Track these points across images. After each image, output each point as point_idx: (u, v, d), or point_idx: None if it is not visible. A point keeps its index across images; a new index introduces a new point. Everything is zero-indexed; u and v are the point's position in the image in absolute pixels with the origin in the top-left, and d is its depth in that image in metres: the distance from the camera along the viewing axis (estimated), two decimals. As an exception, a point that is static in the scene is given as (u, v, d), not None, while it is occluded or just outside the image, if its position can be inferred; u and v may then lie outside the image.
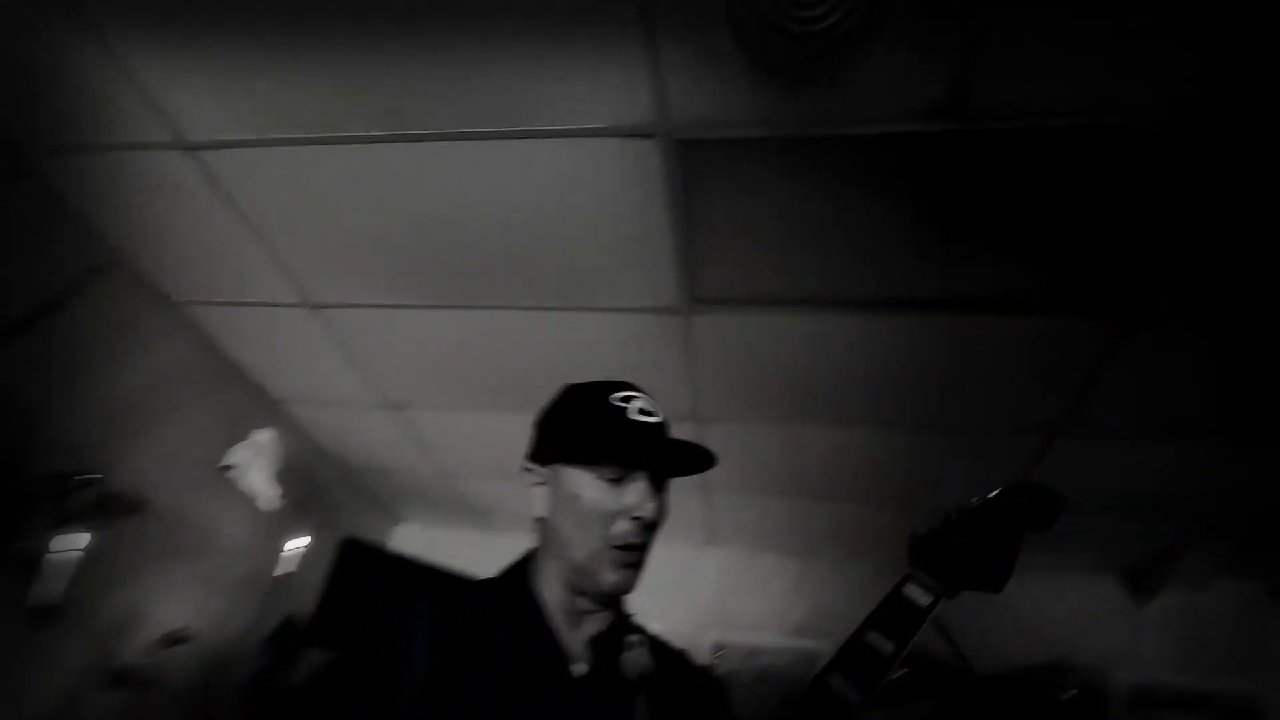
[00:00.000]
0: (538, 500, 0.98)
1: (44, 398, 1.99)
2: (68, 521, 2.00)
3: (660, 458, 0.93)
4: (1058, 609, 3.59)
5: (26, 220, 1.90)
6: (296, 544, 3.03)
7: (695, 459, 0.93)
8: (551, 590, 0.94)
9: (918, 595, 0.76)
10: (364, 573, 3.20)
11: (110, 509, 2.16)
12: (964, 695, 3.36)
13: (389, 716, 0.79)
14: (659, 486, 0.93)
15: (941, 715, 3.33)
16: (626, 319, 2.18)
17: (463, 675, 0.82)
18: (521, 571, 0.99)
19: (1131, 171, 1.50)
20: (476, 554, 3.97)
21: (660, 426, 0.95)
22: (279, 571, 3.00)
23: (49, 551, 1.98)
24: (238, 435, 2.76)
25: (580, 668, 0.89)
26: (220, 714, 2.80)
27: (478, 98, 1.54)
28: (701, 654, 3.66)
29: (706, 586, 3.89)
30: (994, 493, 0.86)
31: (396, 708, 0.79)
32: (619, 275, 2.00)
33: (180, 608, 2.57)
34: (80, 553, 2.01)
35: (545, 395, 2.61)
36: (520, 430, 3.28)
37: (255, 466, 2.77)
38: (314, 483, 3.35)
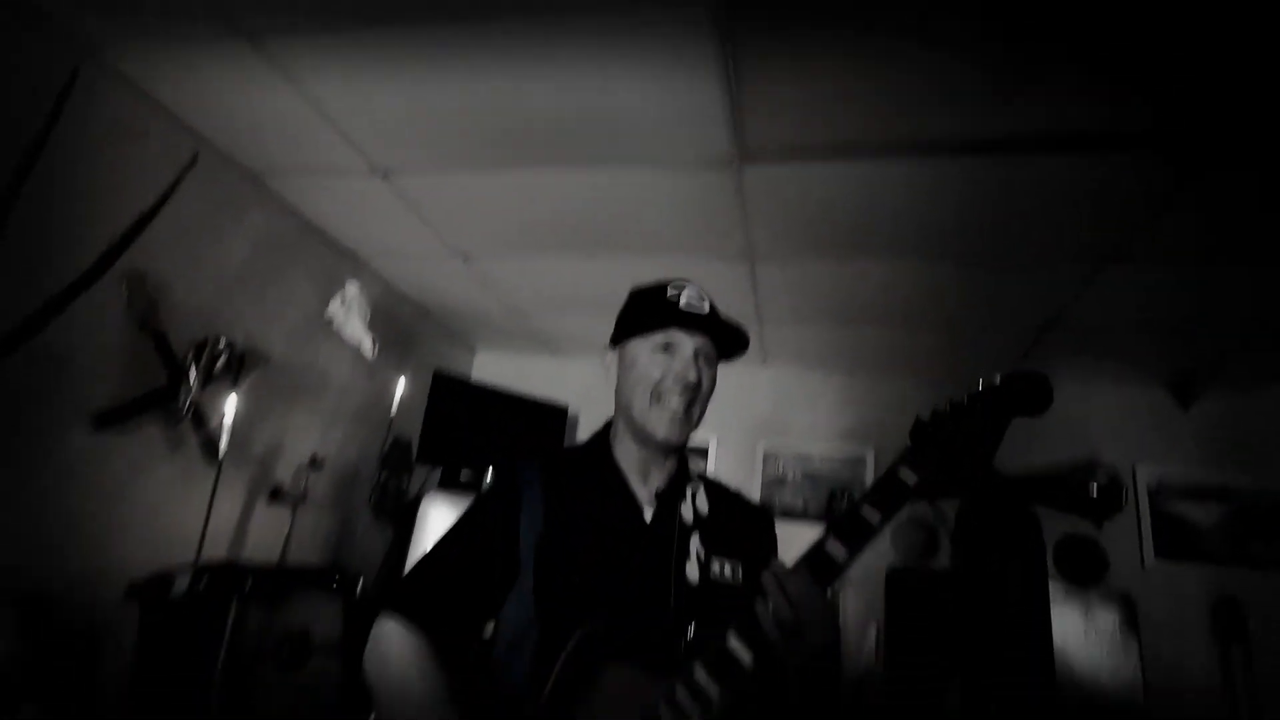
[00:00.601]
0: (611, 374, 1.20)
1: (170, 277, 2.27)
2: (213, 380, 2.38)
3: (698, 325, 1.14)
4: (1101, 413, 3.74)
5: (125, 123, 2.05)
6: (394, 378, 3.43)
7: (731, 336, 1.17)
8: (624, 450, 1.19)
9: (907, 476, 0.92)
10: (454, 400, 3.64)
11: (243, 365, 2.53)
12: (994, 491, 3.69)
13: (510, 559, 1.07)
14: (706, 360, 1.15)
15: (971, 509, 3.70)
16: (680, 173, 2.25)
17: (564, 525, 1.09)
18: (603, 438, 1.24)
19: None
20: (545, 377, 4.38)
21: (703, 313, 1.15)
22: (383, 401, 3.44)
23: (209, 406, 2.39)
24: (330, 291, 3.07)
25: (649, 513, 1.14)
26: (354, 518, 3.41)
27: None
28: (755, 458, 4.08)
29: (760, 401, 4.19)
30: (993, 380, 1.00)
31: (516, 553, 1.07)
32: (672, 133, 2.04)
33: (311, 437, 3.04)
34: (232, 405, 2.41)
35: (604, 241, 2.88)
36: (581, 270, 3.55)
37: (350, 316, 3.10)
38: (400, 325, 3.70)
